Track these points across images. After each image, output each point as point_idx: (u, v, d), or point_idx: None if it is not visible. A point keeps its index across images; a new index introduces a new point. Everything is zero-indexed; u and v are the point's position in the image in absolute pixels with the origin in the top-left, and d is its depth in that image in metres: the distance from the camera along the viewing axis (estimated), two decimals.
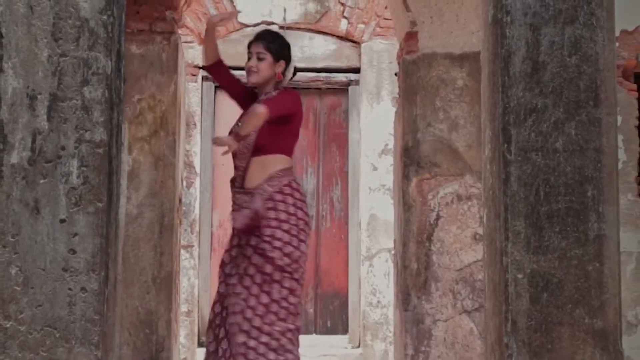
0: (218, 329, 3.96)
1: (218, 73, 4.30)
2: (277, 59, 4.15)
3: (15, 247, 3.40)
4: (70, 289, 3.41)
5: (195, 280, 7.72)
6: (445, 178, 5.20)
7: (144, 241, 5.09)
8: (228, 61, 7.93)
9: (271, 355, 3.82)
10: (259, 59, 4.08)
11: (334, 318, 8.23)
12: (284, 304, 3.90)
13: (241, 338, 3.81)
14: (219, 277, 4.08)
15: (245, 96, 4.23)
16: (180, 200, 5.55)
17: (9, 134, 3.46)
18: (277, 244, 3.87)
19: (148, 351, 5.02)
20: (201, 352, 7.54)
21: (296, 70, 4.33)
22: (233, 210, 4.04)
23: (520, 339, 3.56)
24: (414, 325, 5.12)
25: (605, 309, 3.57)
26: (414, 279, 5.16)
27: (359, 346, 7.81)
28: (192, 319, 7.56)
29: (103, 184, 3.47)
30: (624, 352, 3.65)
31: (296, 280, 3.92)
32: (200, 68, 4.23)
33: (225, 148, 3.80)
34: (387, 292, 7.57)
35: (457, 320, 5.11)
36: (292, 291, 3.92)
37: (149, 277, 5.08)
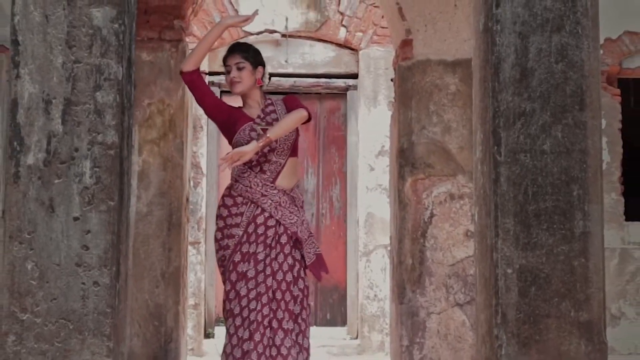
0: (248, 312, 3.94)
1: (196, 80, 4.07)
2: (255, 66, 4.16)
3: (31, 244, 3.41)
4: (83, 283, 3.41)
5: (202, 275, 7.72)
6: (438, 178, 5.20)
7: (153, 238, 5.09)
8: None
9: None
10: (239, 69, 4.07)
11: (333, 311, 8.23)
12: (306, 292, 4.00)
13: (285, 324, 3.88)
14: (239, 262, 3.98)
15: (218, 107, 4.12)
16: (187, 199, 5.55)
17: (25, 136, 3.46)
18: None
19: (157, 342, 5.02)
20: (207, 343, 7.56)
21: (271, 75, 4.35)
22: (243, 195, 3.96)
23: (510, 330, 3.56)
24: (409, 317, 5.12)
25: (590, 302, 3.57)
26: (409, 273, 5.16)
27: (356, 337, 7.81)
28: (198, 312, 7.56)
29: (114, 183, 3.47)
30: (608, 343, 3.65)
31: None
32: (181, 73, 4.10)
33: (243, 157, 3.82)
34: (384, 286, 7.58)
35: (449, 312, 5.11)
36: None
37: (158, 272, 5.08)
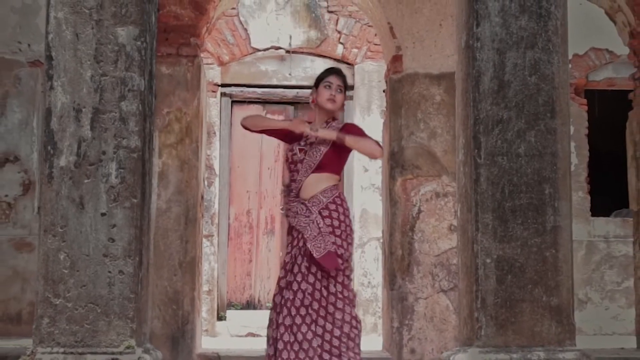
0: (279, 316, 3.82)
1: (258, 133, 4.12)
2: (345, 94, 4.09)
3: (63, 237, 3.41)
4: (109, 272, 3.41)
5: (215, 264, 7.71)
6: (425, 178, 5.20)
7: (171, 231, 5.09)
8: (243, 80, 8.03)
9: (328, 336, 3.76)
10: (339, 91, 3.99)
11: None
12: (340, 296, 3.83)
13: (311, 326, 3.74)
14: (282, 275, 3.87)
15: (276, 134, 4.09)
16: (202, 197, 5.54)
17: (58, 141, 3.46)
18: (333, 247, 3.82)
19: (175, 324, 5.02)
20: (220, 325, 7.55)
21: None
22: (288, 215, 3.90)
23: (489, 313, 3.56)
24: (399, 302, 5.12)
25: (560, 288, 3.57)
26: (399, 263, 5.16)
27: None
28: (212, 297, 7.56)
29: (137, 183, 3.47)
30: (576, 325, 3.65)
31: (347, 276, 3.87)
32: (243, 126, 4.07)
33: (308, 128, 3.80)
34: (377, 274, 7.57)
35: (435, 298, 5.11)
36: (345, 285, 3.86)
37: (176, 262, 5.08)
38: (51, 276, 3.39)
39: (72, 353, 3.34)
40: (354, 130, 3.96)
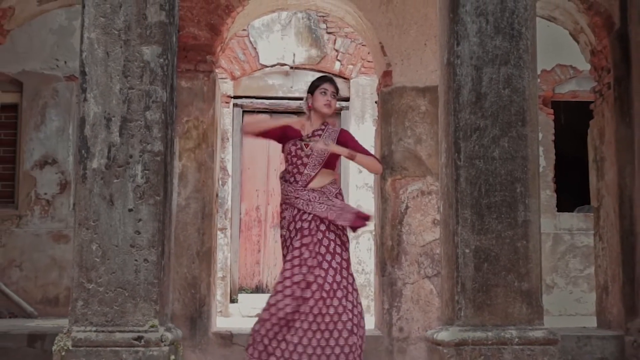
0: (297, 300, 3.76)
1: (259, 137, 4.01)
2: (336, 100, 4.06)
3: (95, 229, 3.41)
4: (136, 260, 3.41)
5: (228, 253, 7.71)
6: (412, 178, 5.19)
7: (190, 225, 5.09)
8: (252, 93, 8.02)
9: (345, 318, 3.71)
10: (333, 97, 3.97)
11: None
12: (351, 279, 3.87)
13: (334, 307, 3.68)
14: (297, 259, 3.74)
15: (274, 135, 3.97)
16: (217, 195, 5.54)
17: (91, 146, 3.47)
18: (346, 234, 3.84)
19: (193, 306, 5.02)
20: (232, 307, 7.55)
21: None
22: (286, 202, 3.84)
23: (467, 297, 3.56)
24: (389, 287, 5.12)
25: (530, 275, 3.57)
26: (389, 252, 5.15)
27: None
28: (225, 282, 7.55)
29: (160, 183, 3.48)
30: (544, 307, 3.65)
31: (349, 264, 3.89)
32: (244, 132, 4.03)
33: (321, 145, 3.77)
34: (369, 262, 7.57)
35: (420, 283, 5.11)
36: (350, 273, 3.87)
37: (194, 251, 5.07)
38: (85, 264, 3.39)
39: (103, 331, 3.34)
40: (349, 137, 3.97)
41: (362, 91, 7.99)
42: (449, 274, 3.67)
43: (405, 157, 5.20)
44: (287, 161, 3.92)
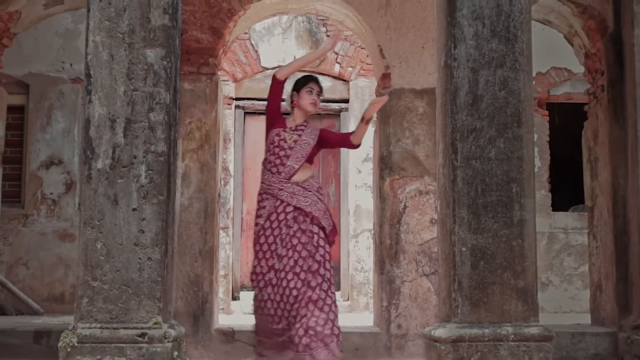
0: (271, 288, 3.85)
1: (281, 89, 3.95)
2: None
3: (100, 228, 3.41)
4: (140, 259, 3.41)
5: (230, 252, 7.70)
6: (410, 178, 5.19)
7: (193, 224, 5.08)
8: (253, 94, 8.01)
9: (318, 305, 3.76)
10: (318, 96, 3.98)
11: None
12: (329, 275, 3.86)
13: (309, 293, 3.70)
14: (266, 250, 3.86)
15: (275, 111, 3.93)
16: (219, 195, 5.54)
17: (95, 147, 3.47)
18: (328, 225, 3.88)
19: (196, 303, 5.01)
20: (234, 304, 7.55)
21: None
22: (267, 192, 3.83)
23: (464, 294, 3.56)
24: (387, 284, 5.12)
25: (525, 273, 3.58)
26: (388, 251, 5.15)
27: (348, 300, 7.79)
28: (227, 280, 7.55)
29: (164, 183, 3.48)
30: (539, 304, 3.65)
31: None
32: (274, 78, 3.98)
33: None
34: (368, 260, 7.56)
35: (418, 281, 5.11)
36: (326, 251, 3.89)
37: (197, 250, 5.07)
38: (90, 262, 3.40)
39: (107, 328, 3.35)
40: (329, 132, 4.14)
41: (361, 93, 7.98)
42: (446, 272, 3.67)
43: (403, 158, 5.20)
44: (269, 150, 3.90)
